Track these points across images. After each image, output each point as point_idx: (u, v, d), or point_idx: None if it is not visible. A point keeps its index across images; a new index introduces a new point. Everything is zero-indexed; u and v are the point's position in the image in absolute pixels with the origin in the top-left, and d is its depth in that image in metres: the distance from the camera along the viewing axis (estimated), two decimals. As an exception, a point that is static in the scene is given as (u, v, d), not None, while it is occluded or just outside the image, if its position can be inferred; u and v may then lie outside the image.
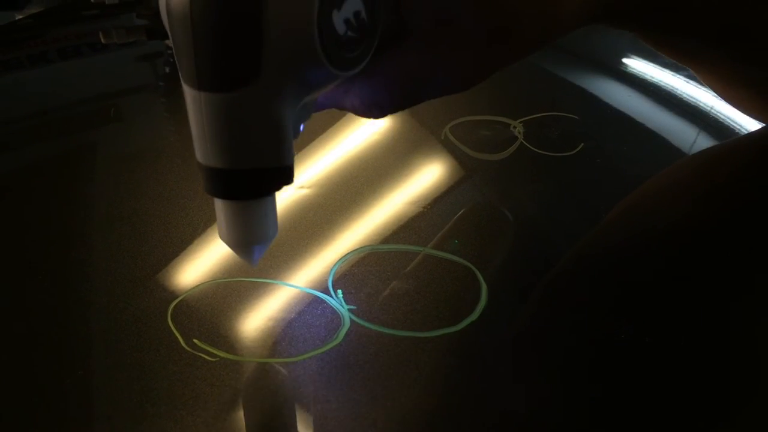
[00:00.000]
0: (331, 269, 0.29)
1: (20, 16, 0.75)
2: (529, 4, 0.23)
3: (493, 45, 0.24)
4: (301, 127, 0.23)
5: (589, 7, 0.26)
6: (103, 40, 0.66)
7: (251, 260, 0.23)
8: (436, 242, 0.30)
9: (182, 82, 0.19)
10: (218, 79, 0.19)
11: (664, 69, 0.52)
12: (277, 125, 0.20)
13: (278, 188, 0.22)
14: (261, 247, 0.23)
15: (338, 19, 0.19)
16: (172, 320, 0.25)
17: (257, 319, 0.25)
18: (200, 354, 0.24)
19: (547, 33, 0.25)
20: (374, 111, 0.25)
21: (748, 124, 0.42)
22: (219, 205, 0.22)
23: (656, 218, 0.33)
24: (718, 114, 0.45)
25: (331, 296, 0.27)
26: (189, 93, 0.19)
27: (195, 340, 0.24)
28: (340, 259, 0.29)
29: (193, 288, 0.27)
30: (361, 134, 0.41)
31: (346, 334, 0.25)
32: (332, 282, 0.28)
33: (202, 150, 0.20)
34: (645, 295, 0.28)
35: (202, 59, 0.18)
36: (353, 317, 0.26)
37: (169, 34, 0.19)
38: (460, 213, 0.33)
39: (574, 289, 0.28)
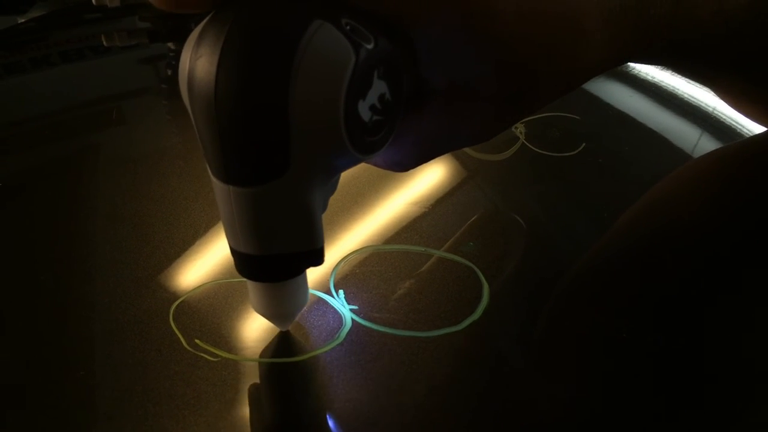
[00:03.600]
0: (333, 269, 0.29)
1: (23, 20, 0.75)
2: (547, 63, 0.23)
3: (513, 103, 0.24)
4: (328, 201, 0.24)
5: (609, 58, 0.25)
6: (105, 43, 0.66)
7: (285, 327, 0.25)
8: (447, 246, 0.30)
9: (210, 174, 0.20)
10: (247, 175, 0.19)
11: (666, 69, 0.52)
12: (306, 211, 0.20)
13: (307, 268, 0.22)
14: (294, 315, 0.24)
15: (364, 107, 0.19)
16: (174, 320, 0.25)
17: (259, 319, 0.25)
18: (202, 354, 0.24)
19: (566, 86, 0.25)
20: (396, 168, 0.25)
21: (751, 124, 0.42)
22: (251, 283, 0.22)
23: (669, 220, 0.33)
24: (721, 114, 0.44)
25: (332, 296, 0.27)
26: (217, 185, 0.19)
27: (197, 341, 0.24)
28: (342, 259, 0.29)
29: (195, 288, 0.27)
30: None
31: (348, 334, 0.25)
32: (334, 282, 0.28)
33: (232, 237, 0.21)
34: (658, 299, 0.27)
35: (229, 155, 0.18)
36: (355, 317, 0.26)
37: (194, 125, 0.19)
38: (472, 219, 0.33)
39: (581, 289, 0.28)
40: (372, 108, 0.20)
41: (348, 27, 0.19)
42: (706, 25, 0.28)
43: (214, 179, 0.20)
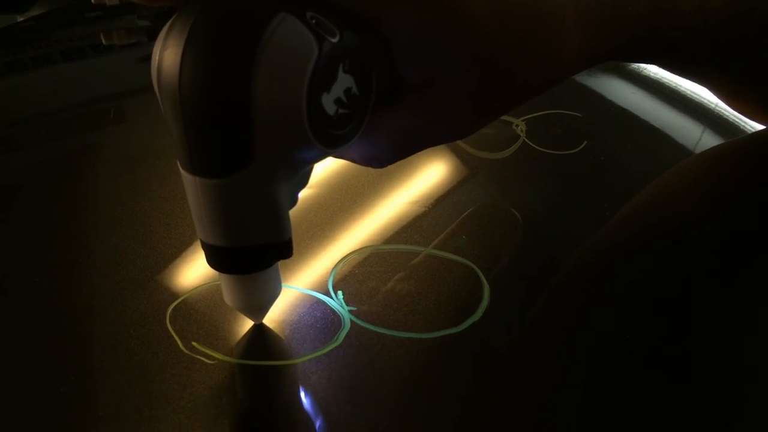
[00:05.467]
0: (332, 270, 0.28)
1: (23, 18, 0.75)
2: (522, 58, 0.23)
3: (488, 99, 0.24)
4: (298, 195, 0.24)
5: (588, 53, 0.25)
6: (104, 42, 0.66)
7: (258, 319, 0.25)
8: (440, 240, 0.30)
9: (178, 165, 0.20)
10: (212, 166, 0.19)
11: (658, 67, 0.51)
12: (272, 203, 0.20)
13: (277, 260, 0.23)
14: (266, 307, 0.24)
15: (328, 100, 0.19)
16: (170, 323, 0.25)
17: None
18: (199, 357, 0.24)
19: (544, 83, 0.25)
20: (374, 164, 0.25)
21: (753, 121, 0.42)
22: (222, 275, 0.22)
23: (666, 216, 0.33)
24: (723, 111, 0.44)
25: (331, 297, 0.27)
26: (185, 176, 0.20)
27: (194, 343, 0.24)
28: (341, 259, 0.29)
29: (192, 290, 0.27)
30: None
31: (347, 336, 0.25)
32: (332, 283, 0.28)
33: (201, 229, 0.21)
34: (656, 295, 0.27)
35: (194, 147, 0.19)
36: (354, 318, 0.25)
37: (164, 117, 0.19)
38: (466, 213, 0.33)
39: (582, 288, 0.28)
40: (337, 101, 0.20)
41: (313, 21, 0.19)
42: (688, 22, 0.28)
43: (182, 171, 0.20)
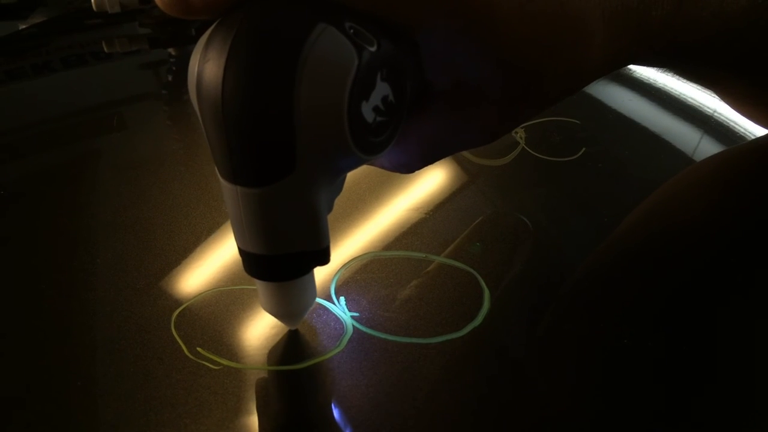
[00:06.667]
0: (334, 276, 0.29)
1: (24, 26, 0.75)
2: (550, 64, 0.23)
3: (517, 104, 0.24)
4: (334, 202, 0.24)
5: (612, 58, 0.25)
6: (106, 49, 0.66)
7: (294, 325, 0.25)
8: (453, 249, 0.30)
9: (218, 175, 0.20)
10: (254, 175, 0.19)
11: (666, 72, 0.52)
12: (312, 211, 0.21)
13: (314, 267, 0.23)
14: (302, 314, 0.24)
15: (367, 108, 0.20)
16: (175, 328, 0.25)
17: (260, 326, 0.25)
18: (204, 362, 0.24)
19: (570, 87, 0.25)
20: (402, 169, 0.26)
21: (753, 126, 0.42)
22: (259, 282, 0.23)
23: (670, 225, 0.33)
24: (721, 117, 0.44)
25: (333, 303, 0.27)
26: (225, 185, 0.20)
27: (198, 349, 0.24)
28: (343, 266, 0.29)
29: (197, 296, 0.27)
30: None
31: (349, 341, 0.25)
32: (335, 289, 0.28)
33: (240, 237, 0.21)
34: (660, 303, 0.27)
35: (237, 157, 0.19)
36: (356, 324, 0.26)
37: (202, 127, 0.20)
38: (477, 220, 0.33)
39: (584, 294, 0.28)
40: (375, 109, 0.20)
41: (351, 30, 0.19)
42: (707, 27, 0.28)
43: (222, 180, 0.20)
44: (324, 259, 0.22)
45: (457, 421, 0.22)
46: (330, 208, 0.23)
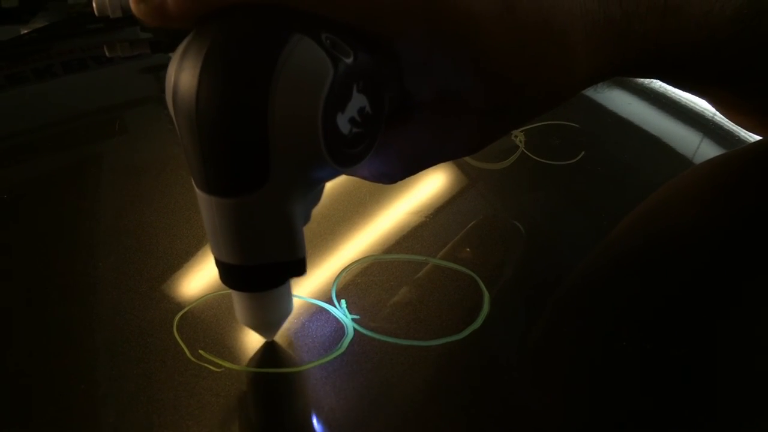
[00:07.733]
0: (335, 279, 0.29)
1: (25, 31, 0.76)
2: (532, 75, 0.23)
3: (499, 115, 0.24)
4: (311, 212, 0.24)
5: (596, 70, 0.25)
6: (107, 54, 0.66)
7: (269, 336, 0.25)
8: (446, 251, 0.30)
9: (194, 185, 0.20)
10: (228, 185, 0.19)
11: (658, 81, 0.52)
12: (287, 222, 0.21)
13: (290, 278, 0.23)
14: (278, 325, 0.24)
15: (343, 120, 0.20)
16: (177, 331, 0.26)
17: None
18: (206, 365, 0.24)
19: (553, 99, 0.25)
20: (384, 180, 0.26)
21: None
22: (234, 293, 0.23)
23: (666, 227, 0.33)
24: (721, 120, 0.45)
25: (334, 306, 0.27)
26: (200, 195, 0.20)
27: (201, 351, 0.25)
28: (344, 269, 0.29)
29: (199, 299, 0.27)
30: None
31: (350, 344, 0.25)
32: (336, 292, 0.28)
33: (215, 247, 0.21)
34: (657, 305, 0.28)
35: (211, 167, 0.19)
36: (357, 326, 0.26)
37: (179, 137, 0.20)
38: (471, 224, 0.33)
39: (582, 297, 0.29)
40: (351, 121, 0.20)
41: (328, 41, 0.19)
42: (693, 39, 0.28)
43: (197, 190, 0.20)
44: (299, 270, 0.22)
45: (457, 423, 0.22)
46: (307, 219, 0.23)
